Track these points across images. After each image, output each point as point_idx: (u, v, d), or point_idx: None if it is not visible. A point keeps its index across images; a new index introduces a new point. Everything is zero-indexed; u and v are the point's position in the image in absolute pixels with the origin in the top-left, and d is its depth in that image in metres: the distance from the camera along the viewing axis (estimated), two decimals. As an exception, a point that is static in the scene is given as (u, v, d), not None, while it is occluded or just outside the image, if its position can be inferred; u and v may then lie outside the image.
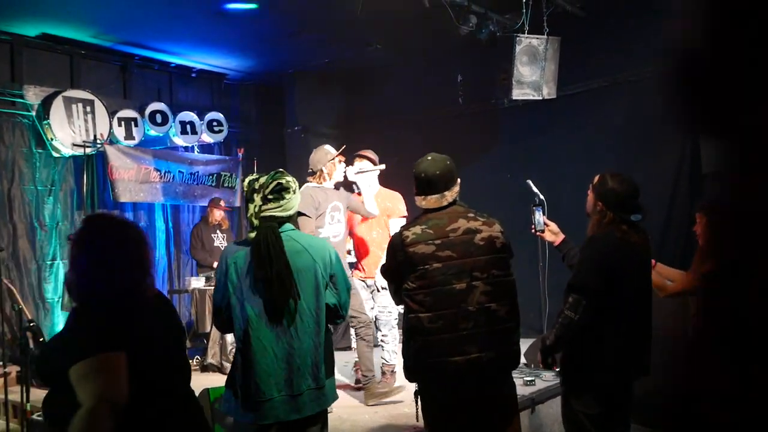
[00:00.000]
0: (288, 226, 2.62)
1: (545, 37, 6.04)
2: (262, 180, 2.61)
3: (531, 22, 5.96)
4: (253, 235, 2.56)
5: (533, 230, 3.30)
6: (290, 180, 2.64)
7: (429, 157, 2.81)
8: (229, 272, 2.57)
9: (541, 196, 4.92)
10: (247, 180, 2.65)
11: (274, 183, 2.58)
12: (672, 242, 6.18)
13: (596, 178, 2.96)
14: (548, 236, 3.25)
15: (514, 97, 6.18)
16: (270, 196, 2.56)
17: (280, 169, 2.69)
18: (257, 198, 2.57)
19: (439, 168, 2.75)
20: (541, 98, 6.22)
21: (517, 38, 5.96)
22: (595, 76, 6.78)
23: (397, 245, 2.72)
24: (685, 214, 6.16)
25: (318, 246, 2.66)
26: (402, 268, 2.70)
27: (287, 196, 2.59)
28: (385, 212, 5.04)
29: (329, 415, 2.71)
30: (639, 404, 3.05)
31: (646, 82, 6.45)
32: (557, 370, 2.94)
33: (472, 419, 2.71)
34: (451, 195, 2.76)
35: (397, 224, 5.06)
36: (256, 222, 2.57)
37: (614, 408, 2.88)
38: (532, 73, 6.10)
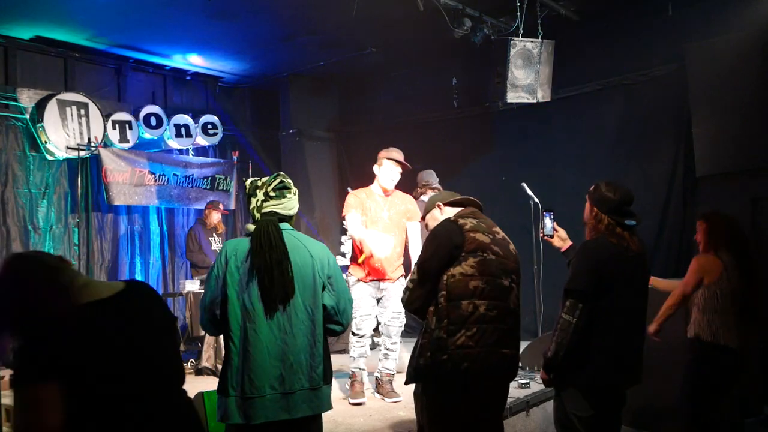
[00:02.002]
0: (287, 225, 2.67)
1: (539, 40, 6.07)
2: (265, 179, 2.71)
3: (525, 25, 5.97)
4: (252, 227, 2.61)
5: (542, 235, 3.33)
6: (291, 182, 2.73)
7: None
8: (229, 264, 2.57)
9: (536, 199, 4.94)
10: (249, 180, 2.74)
11: (278, 181, 2.68)
12: (665, 246, 6.19)
13: (592, 187, 3.03)
14: (556, 242, 3.28)
15: (508, 100, 6.20)
16: (272, 193, 2.65)
17: (281, 172, 2.79)
18: (260, 194, 2.65)
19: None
20: (535, 101, 6.24)
21: (512, 41, 5.98)
22: (589, 80, 6.81)
23: (454, 229, 2.74)
24: (678, 218, 6.17)
25: (316, 245, 2.70)
26: (456, 252, 2.69)
27: (288, 195, 2.68)
28: (406, 214, 4.87)
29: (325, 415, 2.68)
30: (632, 407, 3.07)
31: (639, 85, 6.49)
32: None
33: (491, 410, 2.81)
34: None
35: (414, 228, 4.86)
36: (257, 215, 2.64)
37: (606, 411, 2.88)
38: (527, 77, 6.12)
